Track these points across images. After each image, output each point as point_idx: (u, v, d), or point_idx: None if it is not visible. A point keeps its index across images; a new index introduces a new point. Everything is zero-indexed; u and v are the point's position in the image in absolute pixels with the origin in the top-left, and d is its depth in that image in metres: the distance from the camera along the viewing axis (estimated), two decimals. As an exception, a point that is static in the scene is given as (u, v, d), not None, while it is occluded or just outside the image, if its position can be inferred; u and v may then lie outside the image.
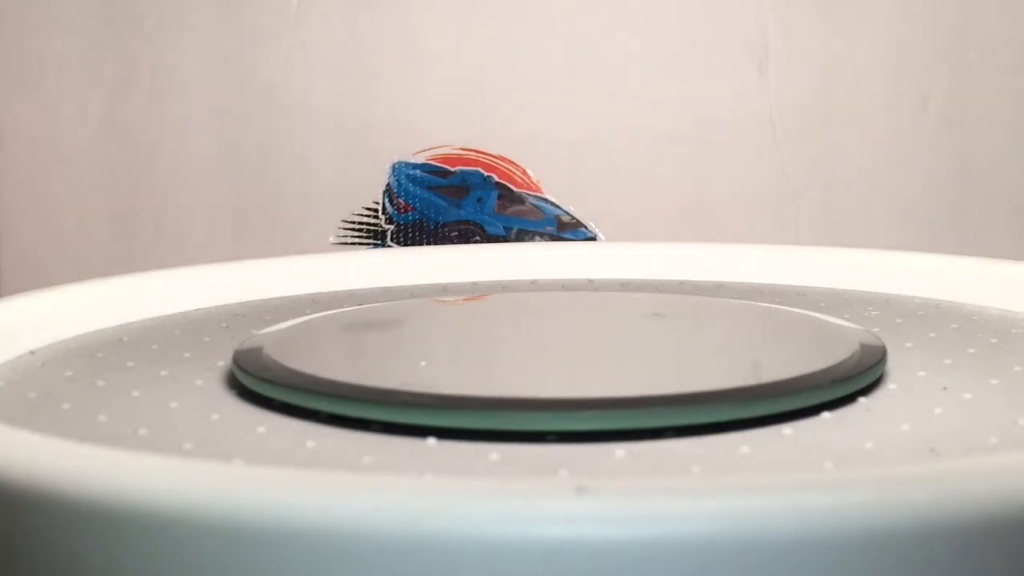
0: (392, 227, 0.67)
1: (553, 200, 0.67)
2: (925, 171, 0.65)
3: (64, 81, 0.69)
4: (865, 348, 0.32)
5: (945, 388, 0.31)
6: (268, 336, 0.35)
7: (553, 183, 0.67)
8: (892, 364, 0.33)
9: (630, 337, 0.38)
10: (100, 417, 0.30)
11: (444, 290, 0.48)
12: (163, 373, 0.34)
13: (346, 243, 0.68)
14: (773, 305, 0.41)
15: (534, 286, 0.49)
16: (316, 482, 0.20)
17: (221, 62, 0.68)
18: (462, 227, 0.67)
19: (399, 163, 0.67)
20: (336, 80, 0.67)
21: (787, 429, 0.28)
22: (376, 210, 0.67)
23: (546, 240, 0.66)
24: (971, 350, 0.36)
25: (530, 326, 0.41)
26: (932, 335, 0.38)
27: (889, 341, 0.34)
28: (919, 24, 0.64)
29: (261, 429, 0.28)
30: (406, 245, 0.67)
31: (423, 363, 0.35)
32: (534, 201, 0.67)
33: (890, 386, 0.32)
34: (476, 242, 0.67)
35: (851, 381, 0.30)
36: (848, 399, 0.30)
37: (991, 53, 0.64)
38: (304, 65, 0.67)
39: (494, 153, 0.67)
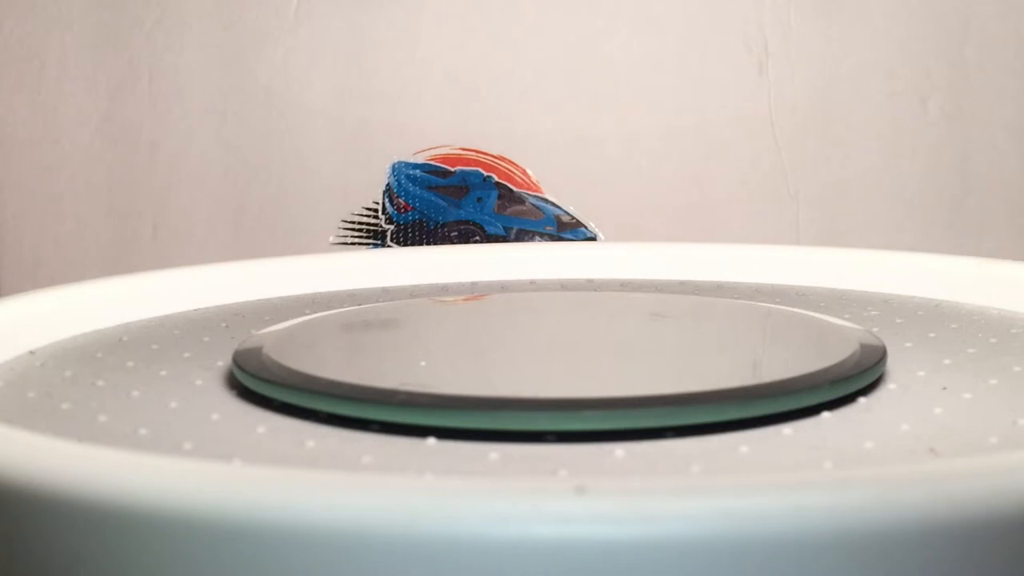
0: (392, 227, 0.67)
1: (553, 200, 0.67)
2: (925, 171, 0.65)
3: (64, 81, 0.69)
4: (865, 348, 0.32)
5: (945, 388, 0.31)
6: (268, 336, 0.35)
7: (553, 183, 0.67)
8: (892, 364, 0.33)
9: (630, 337, 0.38)
10: (100, 417, 0.30)
11: (444, 290, 0.48)
12: (163, 373, 0.34)
13: (346, 243, 0.68)
14: (773, 305, 0.41)
15: (534, 286, 0.49)
16: (316, 482, 0.20)
17: (221, 62, 0.68)
18: (462, 227, 0.67)
19: (399, 163, 0.67)
20: (336, 80, 0.67)
21: (787, 429, 0.28)
22: (376, 210, 0.67)
23: (546, 240, 0.66)
24: (971, 350, 0.36)
25: (530, 326, 0.41)
26: (932, 335, 0.38)
27: (889, 341, 0.34)
28: (919, 24, 0.64)
29: (261, 429, 0.28)
30: (406, 245, 0.67)
31: (422, 363, 0.35)
32: (534, 201, 0.67)
33: (890, 386, 0.32)
34: (476, 242, 0.67)
35: (851, 381, 0.30)
36: (848, 399, 0.30)
37: (990, 53, 0.64)
38: (304, 65, 0.67)
39: (494, 153, 0.67)
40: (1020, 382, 0.32)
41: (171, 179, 0.69)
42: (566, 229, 0.67)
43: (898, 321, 0.40)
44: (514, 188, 0.67)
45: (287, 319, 0.39)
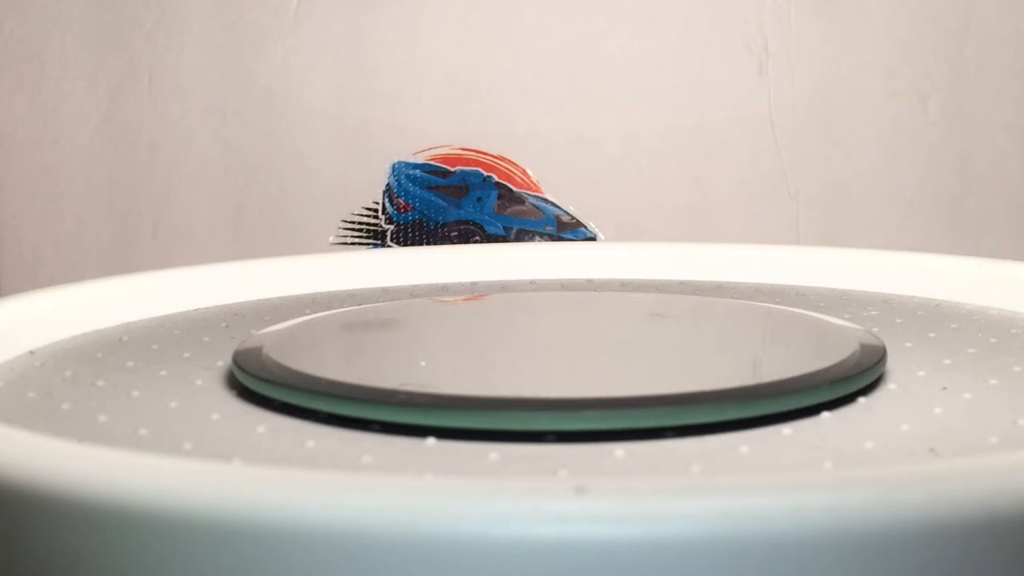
0: (392, 227, 0.67)
1: (553, 200, 0.67)
2: (924, 171, 0.65)
3: (64, 81, 0.69)
4: (865, 348, 0.32)
5: (945, 388, 0.31)
6: (268, 336, 0.35)
7: (553, 183, 0.67)
8: (892, 364, 0.33)
9: (630, 337, 0.38)
10: (100, 417, 0.30)
11: (444, 290, 0.48)
12: (163, 373, 0.34)
13: (346, 243, 0.68)
14: (773, 305, 0.41)
15: (534, 286, 0.49)
16: (316, 482, 0.20)
17: (221, 62, 0.68)
18: (462, 227, 0.67)
19: (399, 163, 0.67)
20: (336, 80, 0.67)
21: (787, 429, 0.28)
22: (376, 210, 0.67)
23: (546, 240, 0.66)
24: (971, 350, 0.36)
25: (530, 326, 0.41)
26: (932, 335, 0.38)
27: (889, 341, 0.34)
28: (919, 24, 0.64)
29: (261, 429, 0.28)
30: (406, 245, 0.67)
31: (422, 363, 0.35)
32: (534, 201, 0.67)
33: (890, 386, 0.32)
34: (476, 242, 0.67)
35: (851, 381, 0.30)
36: (848, 399, 0.30)
37: (990, 53, 0.64)
38: (304, 65, 0.67)
39: (494, 153, 0.67)
40: (1020, 382, 0.32)
41: (171, 179, 0.69)
42: (566, 229, 0.67)
43: (898, 321, 0.40)
44: (514, 188, 0.67)
45: (287, 319, 0.39)
